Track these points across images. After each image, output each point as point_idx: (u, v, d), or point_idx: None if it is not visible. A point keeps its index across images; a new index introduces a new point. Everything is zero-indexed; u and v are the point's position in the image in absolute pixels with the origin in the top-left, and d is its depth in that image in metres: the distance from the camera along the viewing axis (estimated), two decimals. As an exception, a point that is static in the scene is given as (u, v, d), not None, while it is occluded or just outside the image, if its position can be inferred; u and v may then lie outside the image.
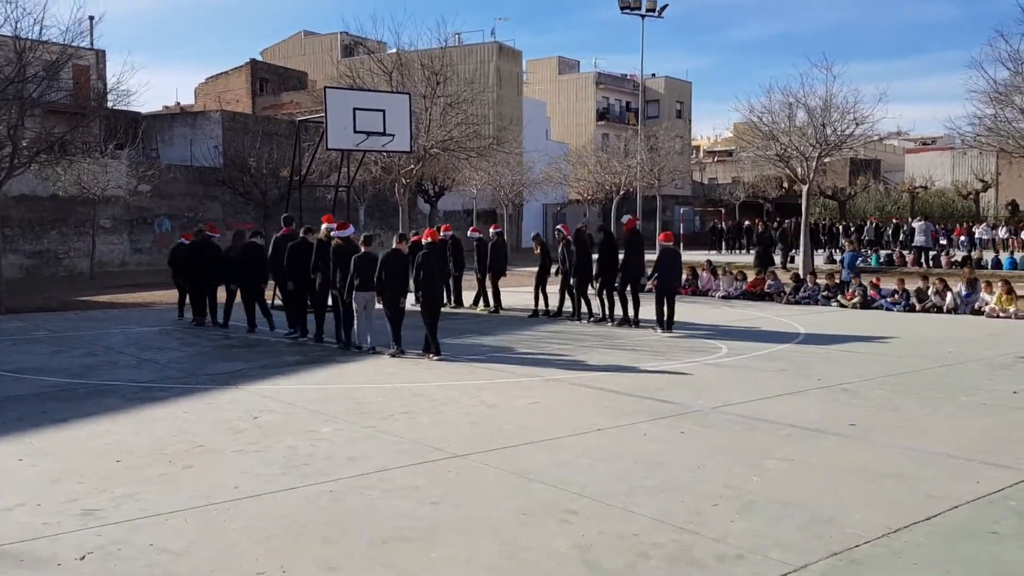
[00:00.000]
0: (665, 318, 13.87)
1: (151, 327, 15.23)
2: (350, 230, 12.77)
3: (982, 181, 49.31)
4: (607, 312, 15.08)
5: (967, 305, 16.73)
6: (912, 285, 18.14)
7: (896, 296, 17.58)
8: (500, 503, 5.64)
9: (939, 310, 16.92)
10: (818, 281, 19.49)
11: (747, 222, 45.02)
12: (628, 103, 64.62)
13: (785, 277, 21.06)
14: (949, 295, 17.00)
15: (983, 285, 17.27)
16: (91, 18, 35.26)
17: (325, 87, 18.75)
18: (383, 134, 16.46)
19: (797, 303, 18.68)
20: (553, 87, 64.56)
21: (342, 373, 10.65)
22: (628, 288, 14.64)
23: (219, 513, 5.47)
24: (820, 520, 5.27)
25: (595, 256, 15.30)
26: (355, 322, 12.12)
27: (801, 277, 20.44)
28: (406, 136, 17.23)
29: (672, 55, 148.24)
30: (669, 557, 4.73)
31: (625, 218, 15.39)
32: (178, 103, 55.14)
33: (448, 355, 11.44)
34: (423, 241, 12.05)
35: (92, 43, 36.82)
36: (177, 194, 34.20)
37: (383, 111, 16.47)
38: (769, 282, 20.07)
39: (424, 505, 5.60)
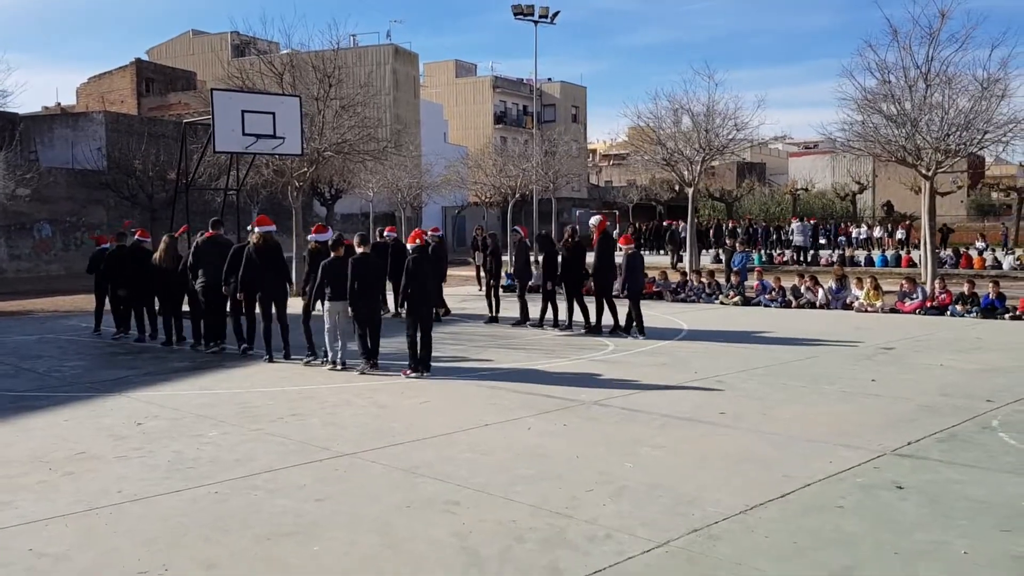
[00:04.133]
0: (635, 322, 13.60)
1: (30, 335, 14.71)
2: (328, 234, 11.74)
3: (859, 183, 51.95)
4: (557, 317, 14.56)
5: (838, 300, 17.75)
6: (789, 283, 19.12)
7: (773, 293, 18.49)
8: (384, 498, 5.81)
9: (813, 306, 17.89)
10: (702, 280, 20.30)
11: (665, 223, 45.84)
12: (525, 107, 65.41)
13: (676, 276, 21.85)
14: (821, 291, 18.00)
15: (853, 281, 18.36)
16: (-39, 14, 33.48)
17: (212, 89, 18.45)
18: (273, 137, 16.33)
19: (683, 301, 19.42)
20: (451, 90, 64.79)
21: (231, 378, 10.58)
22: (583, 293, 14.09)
23: (101, 517, 5.47)
24: (684, 501, 5.64)
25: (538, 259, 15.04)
26: (325, 334, 10.92)
27: (687, 276, 21.24)
28: (297, 139, 17.13)
29: (568, 60, 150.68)
30: (543, 540, 5.00)
31: (595, 219, 14.74)
32: (59, 104, 52.93)
33: (431, 374, 10.36)
34: (409, 245, 10.93)
35: (-37, 40, 35.01)
36: (58, 198, 32.88)
37: (273, 113, 16.34)
38: (658, 281, 20.77)
39: (308, 502, 5.72)
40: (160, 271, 13.16)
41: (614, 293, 14.17)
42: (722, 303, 18.85)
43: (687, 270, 23.27)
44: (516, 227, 16.74)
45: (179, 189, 18.21)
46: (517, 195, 31.43)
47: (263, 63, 24.07)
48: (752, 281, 19.98)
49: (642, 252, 25.63)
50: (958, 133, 20.17)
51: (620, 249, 14.73)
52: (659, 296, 20.02)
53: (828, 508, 5.51)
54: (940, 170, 20.38)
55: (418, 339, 10.33)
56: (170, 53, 56.50)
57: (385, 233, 16.56)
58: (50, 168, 32.99)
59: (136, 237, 14.33)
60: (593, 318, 14.04)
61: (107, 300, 14.62)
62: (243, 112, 16.07)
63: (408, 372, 10.34)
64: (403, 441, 7.31)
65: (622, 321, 13.84)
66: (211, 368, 11.26)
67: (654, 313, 17.22)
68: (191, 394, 9.57)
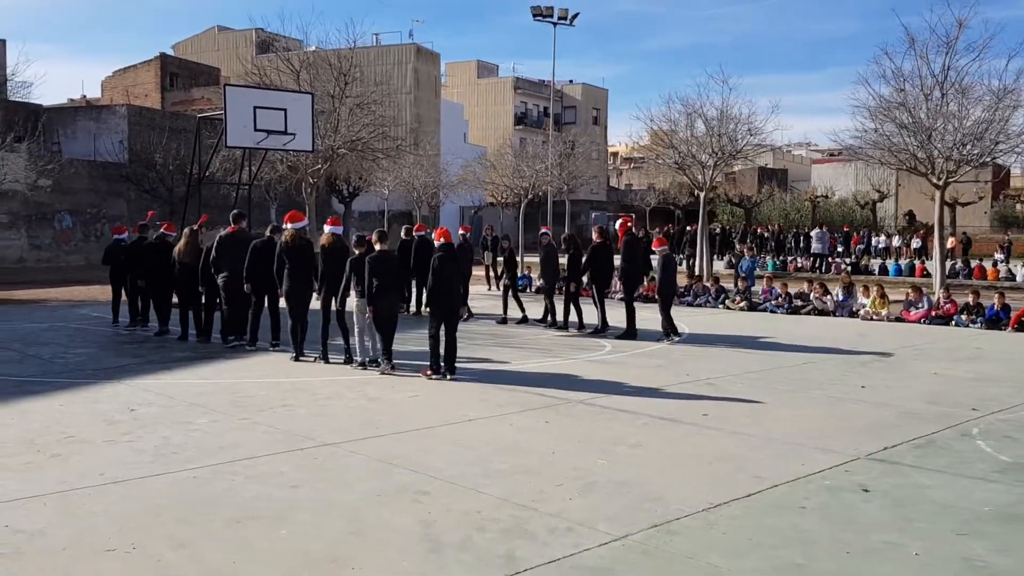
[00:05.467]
0: (667, 325, 13.47)
1: (41, 323, 15.00)
2: (341, 228, 11.54)
3: (879, 192, 51.64)
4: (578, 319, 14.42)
5: (844, 308, 17.72)
6: (797, 289, 19.09)
7: (779, 299, 18.48)
8: (357, 486, 5.94)
9: (819, 312, 17.87)
10: (705, 284, 20.32)
11: (688, 227, 45.34)
12: (546, 108, 65.37)
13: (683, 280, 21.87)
14: (828, 298, 17.98)
15: (860, 289, 18.33)
16: (-11, 6, 34.04)
17: (224, 85, 18.73)
18: (284, 133, 16.54)
19: (690, 305, 19.43)
20: (472, 90, 65.03)
21: (229, 369, 10.75)
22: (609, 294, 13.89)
23: (80, 498, 5.63)
24: (650, 497, 5.73)
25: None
26: (356, 334, 10.72)
27: (693, 280, 21.25)
28: (308, 135, 17.35)
29: (590, 62, 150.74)
30: (504, 531, 5.11)
31: (619, 221, 14.50)
32: (84, 96, 53.65)
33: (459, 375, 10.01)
34: (436, 242, 10.53)
35: (-10, 32, 35.55)
36: (80, 190, 33.42)
37: (284, 110, 16.56)
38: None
39: (283, 489, 5.86)
40: (181, 265, 12.84)
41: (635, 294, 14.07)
42: (727, 308, 18.85)
43: (694, 274, 23.28)
44: (545, 229, 16.50)
45: (193, 183, 18.49)
46: (530, 196, 31.51)
47: (281, 60, 24.38)
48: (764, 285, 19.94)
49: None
50: (971, 143, 20.08)
51: (654, 252, 14.61)
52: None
53: (791, 508, 5.58)
54: (952, 180, 20.27)
55: (442, 339, 10.03)
56: (195, 48, 57.13)
57: (414, 232, 16.34)
58: (72, 160, 33.52)
59: (162, 230, 14.13)
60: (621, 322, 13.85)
61: (123, 291, 14.55)
62: (255, 108, 16.30)
63: (428, 372, 10.00)
64: (386, 433, 7.44)
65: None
66: (213, 359, 11.43)
67: (659, 316, 17.26)
68: (188, 383, 9.76)
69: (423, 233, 16.20)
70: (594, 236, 14.69)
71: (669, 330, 13.55)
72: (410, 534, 5.06)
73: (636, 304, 14.38)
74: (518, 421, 7.92)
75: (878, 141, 21.74)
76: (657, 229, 43.99)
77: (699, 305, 19.39)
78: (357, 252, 10.54)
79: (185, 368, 10.78)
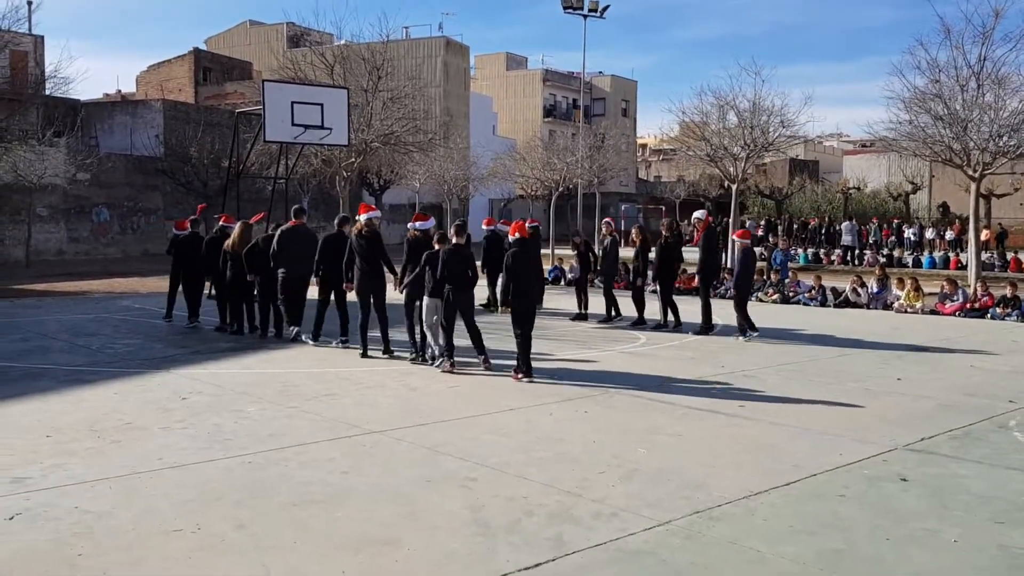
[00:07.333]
0: (745, 320, 13.11)
1: (86, 314, 15.39)
2: (430, 222, 11.21)
3: (912, 183, 51.11)
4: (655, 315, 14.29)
5: (878, 301, 17.68)
6: (831, 282, 19.07)
7: (813, 292, 18.47)
8: (406, 472, 6.14)
9: (853, 305, 17.84)
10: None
11: (725, 219, 45.28)
12: (575, 100, 65.36)
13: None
14: (863, 291, 17.95)
15: (895, 282, 18.27)
16: (29, 3, 34.66)
17: (263, 80, 19.03)
18: (321, 127, 16.80)
19: (722, 297, 19.45)
20: (501, 83, 65.13)
21: (274, 359, 11.02)
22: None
23: (142, 481, 5.88)
24: (692, 485, 5.88)
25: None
26: (427, 331, 10.45)
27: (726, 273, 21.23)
28: (343, 130, 17.60)
29: (619, 52, 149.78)
30: (550, 515, 5.28)
31: (700, 213, 14.41)
32: (119, 91, 54.41)
33: (538, 378, 9.55)
34: (511, 237, 10.27)
35: (30, 28, 36.24)
36: (117, 183, 34.00)
37: (321, 105, 16.82)
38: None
39: (335, 474, 6.08)
40: (234, 257, 12.74)
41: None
42: (760, 300, 18.87)
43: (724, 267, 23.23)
44: (608, 219, 16.36)
45: (230, 177, 18.81)
46: (561, 188, 31.60)
47: (315, 55, 24.66)
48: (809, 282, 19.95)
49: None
50: (1008, 134, 19.91)
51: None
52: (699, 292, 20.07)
53: (830, 496, 5.70)
54: (988, 172, 20.12)
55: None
56: (228, 43, 57.75)
57: (483, 226, 16.28)
58: (109, 154, 34.08)
59: (221, 223, 13.83)
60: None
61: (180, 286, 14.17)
62: (292, 103, 16.58)
63: (518, 376, 9.57)
64: (429, 421, 7.64)
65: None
66: (258, 350, 11.69)
67: (694, 309, 17.31)
68: (235, 372, 10.03)
69: (493, 227, 16.01)
70: (663, 231, 14.66)
71: (746, 326, 13.13)
72: (459, 517, 5.24)
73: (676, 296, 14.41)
74: (557, 411, 8.09)
75: (912, 133, 21.63)
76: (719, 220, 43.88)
77: (731, 298, 19.38)
78: (438, 247, 10.22)
79: (231, 358, 11.05)
